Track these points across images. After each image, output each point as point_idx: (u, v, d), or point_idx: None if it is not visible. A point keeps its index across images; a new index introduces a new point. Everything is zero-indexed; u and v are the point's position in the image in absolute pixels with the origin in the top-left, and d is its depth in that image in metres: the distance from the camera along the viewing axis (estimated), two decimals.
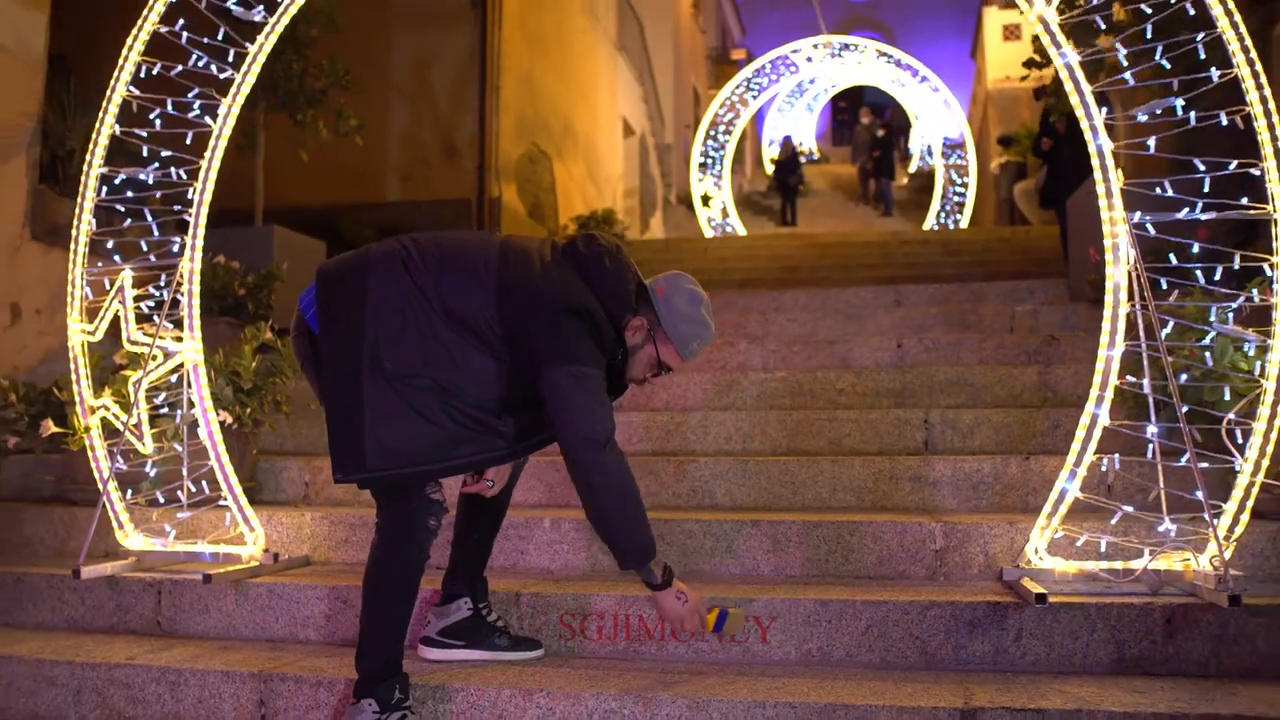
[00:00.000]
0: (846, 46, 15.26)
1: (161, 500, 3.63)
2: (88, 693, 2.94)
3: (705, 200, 15.16)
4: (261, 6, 3.69)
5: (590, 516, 2.54)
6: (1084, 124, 3.02)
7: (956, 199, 14.52)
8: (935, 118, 15.80)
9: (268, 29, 3.69)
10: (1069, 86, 3.06)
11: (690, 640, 2.89)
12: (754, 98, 15.56)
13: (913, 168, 21.60)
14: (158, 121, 3.74)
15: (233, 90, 3.67)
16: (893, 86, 16.53)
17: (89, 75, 5.86)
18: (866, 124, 20.19)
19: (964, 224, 13.99)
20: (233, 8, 3.70)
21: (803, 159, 21.20)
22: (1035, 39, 5.24)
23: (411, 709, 2.54)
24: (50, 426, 3.81)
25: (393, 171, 10.91)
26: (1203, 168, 3.02)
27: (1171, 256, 3.04)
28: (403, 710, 2.52)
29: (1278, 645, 2.65)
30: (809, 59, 15.13)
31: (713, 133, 15.38)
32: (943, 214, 14.64)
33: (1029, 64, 6.54)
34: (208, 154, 3.65)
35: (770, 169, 20.72)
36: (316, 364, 2.61)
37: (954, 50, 32.17)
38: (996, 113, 17.37)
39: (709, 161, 15.35)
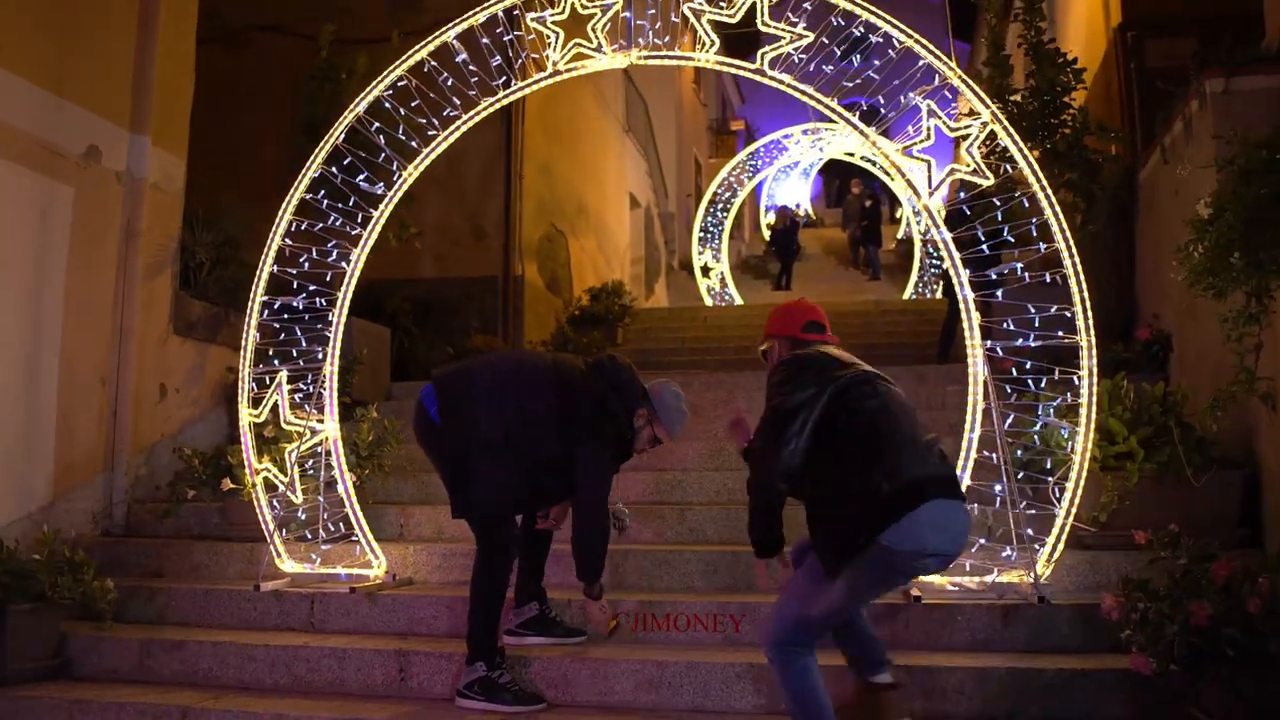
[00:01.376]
0: (833, 131, 16.82)
1: (309, 536, 5.03)
2: (279, 665, 4.32)
3: (705, 271, 16.63)
4: (382, 184, 5.17)
5: (574, 541, 4.03)
6: (954, 280, 4.46)
7: (933, 269, 15.95)
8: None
9: (386, 200, 5.16)
10: (944, 254, 4.51)
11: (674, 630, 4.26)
12: (749, 178, 17.12)
13: (900, 233, 23.03)
14: (305, 264, 5.20)
15: (361, 243, 5.13)
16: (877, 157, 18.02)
17: (211, 198, 7.35)
18: (857, 194, 21.67)
19: (939, 294, 15.38)
20: (361, 184, 5.19)
21: (800, 221, 22.65)
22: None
23: (506, 668, 3.92)
24: (229, 483, 5.23)
25: (428, 251, 12.31)
26: (1033, 310, 4.44)
27: (1013, 370, 4.47)
28: (500, 669, 3.90)
29: (1076, 631, 4.03)
30: (798, 142, 16.68)
31: (712, 209, 16.90)
32: (920, 284, 16.09)
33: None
34: (343, 289, 5.10)
35: (767, 235, 22.21)
36: (431, 439, 4.07)
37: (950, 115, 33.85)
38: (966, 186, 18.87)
39: (708, 235, 16.85)
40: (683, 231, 22.53)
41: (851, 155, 17.02)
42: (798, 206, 25.52)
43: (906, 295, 16.08)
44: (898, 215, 24.20)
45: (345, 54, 9.03)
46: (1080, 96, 7.00)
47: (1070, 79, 6.86)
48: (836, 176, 32.22)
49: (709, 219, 16.91)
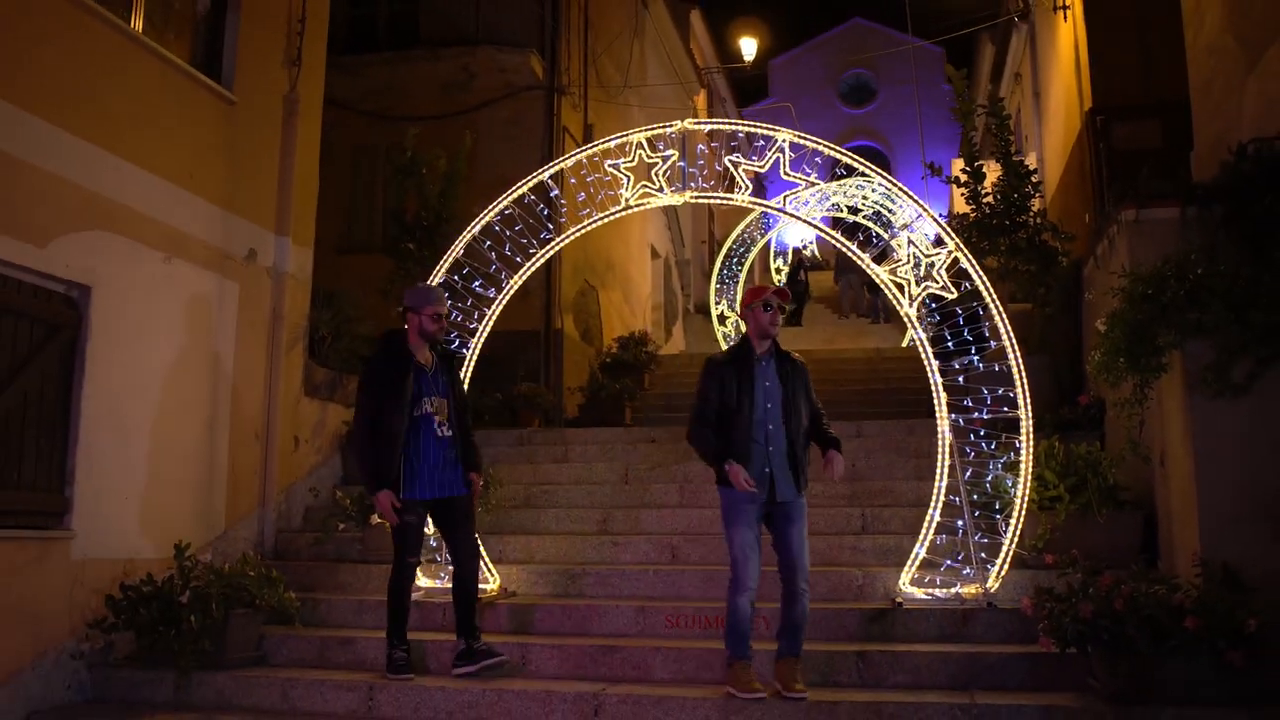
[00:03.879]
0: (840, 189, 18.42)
1: (438, 559, 6.57)
2: (430, 655, 5.84)
3: (722, 319, 18.20)
4: (493, 289, 6.75)
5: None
6: (926, 368, 6.01)
7: (930, 319, 17.49)
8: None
9: (497, 301, 6.73)
10: (920, 352, 6.06)
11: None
12: (761, 235, 18.74)
13: None
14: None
15: (478, 335, 6.70)
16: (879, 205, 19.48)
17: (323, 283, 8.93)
18: None
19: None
20: (475, 288, 6.77)
21: (806, 262, 24.16)
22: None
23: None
24: (377, 518, 6.77)
25: None
26: (986, 392, 5.99)
27: (972, 435, 6.01)
28: (397, 649, 5.49)
29: (1015, 627, 5.53)
30: (805, 202, 18.30)
31: (728, 262, 18.50)
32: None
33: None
34: (465, 370, 6.66)
35: (776, 279, 23.72)
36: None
37: (945, 157, 35.50)
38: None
39: (724, 286, 18.43)
40: (698, 276, 24.16)
41: (857, 213, 18.61)
42: (804, 246, 27.07)
43: (905, 343, 17.60)
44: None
45: (398, 134, 10.53)
46: (1037, 203, 8.56)
47: (1030, 189, 8.43)
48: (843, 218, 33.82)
49: (724, 270, 18.49)
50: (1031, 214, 8.44)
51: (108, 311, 6.22)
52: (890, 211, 18.96)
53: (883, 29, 38.54)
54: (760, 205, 6.62)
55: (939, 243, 6.21)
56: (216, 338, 7.22)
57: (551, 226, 6.79)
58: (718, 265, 18.55)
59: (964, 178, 8.76)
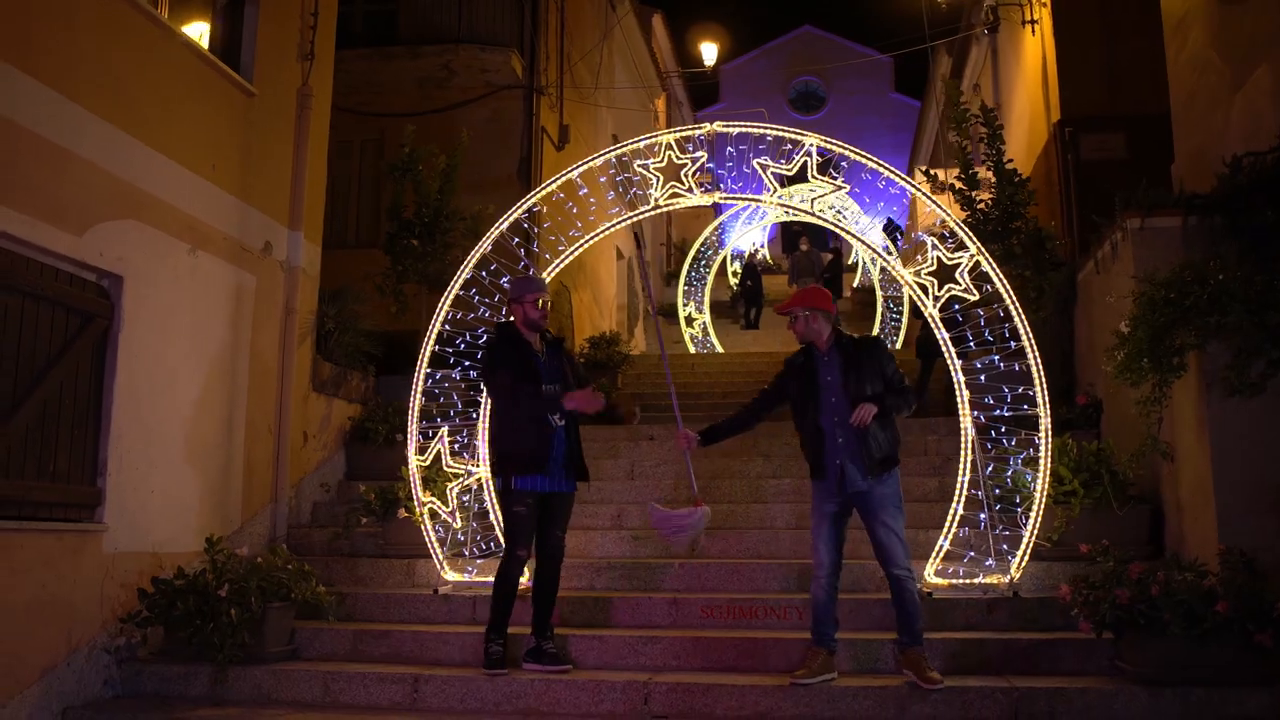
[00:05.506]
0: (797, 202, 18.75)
1: (465, 554, 6.62)
2: (466, 648, 5.88)
3: (689, 321, 18.40)
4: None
5: None
6: (950, 367, 6.24)
7: (893, 323, 17.89)
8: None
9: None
10: (946, 352, 6.28)
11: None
12: (717, 240, 19.06)
13: (856, 282, 24.87)
14: (461, 344, 6.83)
15: None
16: (832, 214, 19.91)
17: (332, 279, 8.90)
18: (805, 250, 23.27)
19: (899, 345, 17.32)
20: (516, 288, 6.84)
21: (759, 265, 24.46)
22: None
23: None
24: (404, 513, 6.79)
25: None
26: (1006, 390, 6.23)
27: (992, 431, 6.25)
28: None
29: (1039, 614, 5.78)
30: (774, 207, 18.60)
31: (695, 266, 18.74)
32: (882, 334, 18.02)
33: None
34: None
35: (733, 281, 24.03)
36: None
37: (893, 164, 36.05)
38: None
39: (691, 289, 18.65)
40: (658, 278, 24.37)
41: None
42: (756, 250, 27.46)
43: None
44: (849, 262, 26.00)
45: (375, 130, 10.55)
46: (1032, 211, 8.87)
47: (1026, 197, 8.73)
48: (792, 224, 34.26)
49: (693, 273, 18.71)
50: (1026, 220, 8.73)
51: (138, 302, 6.17)
52: (842, 215, 19.38)
53: (833, 37, 39.17)
54: (786, 206, 6.80)
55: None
56: (235, 330, 7.18)
57: (580, 225, 6.89)
58: (685, 268, 18.76)
59: (959, 184, 9.03)
